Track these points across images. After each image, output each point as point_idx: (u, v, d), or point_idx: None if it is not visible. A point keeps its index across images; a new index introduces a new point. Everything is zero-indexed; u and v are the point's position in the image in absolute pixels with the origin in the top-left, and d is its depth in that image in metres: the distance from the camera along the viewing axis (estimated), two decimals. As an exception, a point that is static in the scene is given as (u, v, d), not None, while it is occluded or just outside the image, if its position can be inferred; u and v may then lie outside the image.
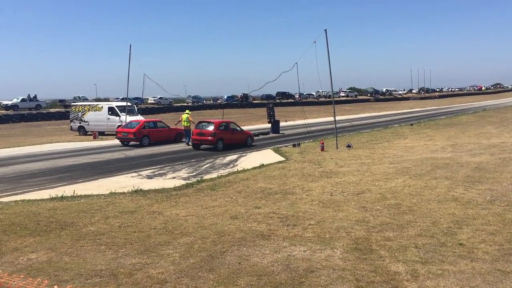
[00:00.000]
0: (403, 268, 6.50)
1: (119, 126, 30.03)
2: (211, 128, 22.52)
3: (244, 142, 24.05)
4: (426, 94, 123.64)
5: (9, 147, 24.77)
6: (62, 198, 11.50)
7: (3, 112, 50.56)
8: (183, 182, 13.77)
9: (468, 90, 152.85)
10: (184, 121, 25.16)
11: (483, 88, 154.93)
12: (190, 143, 24.18)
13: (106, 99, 63.97)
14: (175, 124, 27.19)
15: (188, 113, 25.46)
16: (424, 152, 18.72)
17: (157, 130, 25.72)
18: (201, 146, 22.97)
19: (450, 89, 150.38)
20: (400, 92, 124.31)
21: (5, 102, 54.25)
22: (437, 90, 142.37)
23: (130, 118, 29.53)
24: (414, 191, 11.31)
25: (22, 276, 5.95)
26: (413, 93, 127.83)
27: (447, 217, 9.01)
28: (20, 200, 11.32)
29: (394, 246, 7.41)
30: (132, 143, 24.96)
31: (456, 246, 7.36)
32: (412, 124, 34.87)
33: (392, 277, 6.20)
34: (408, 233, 8.06)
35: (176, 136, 26.42)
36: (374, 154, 18.36)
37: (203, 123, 23.40)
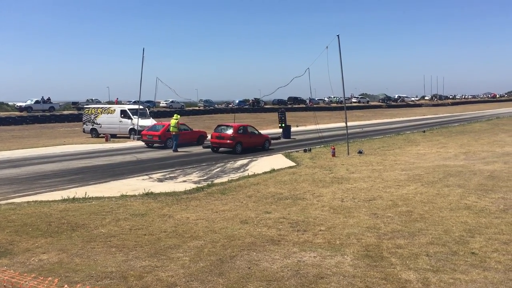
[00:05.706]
0: (414, 276, 6.43)
1: (131, 129, 30.36)
2: (230, 131, 22.76)
3: (262, 146, 24.30)
4: (439, 101, 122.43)
5: (23, 148, 25.05)
6: (74, 199, 11.59)
7: (17, 113, 51.20)
8: (194, 185, 13.81)
9: (482, 98, 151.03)
10: (173, 126, 23.97)
11: (497, 96, 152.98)
12: (177, 150, 23.37)
13: (119, 101, 64.44)
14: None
15: (176, 118, 24.29)
16: (437, 159, 18.56)
17: (181, 133, 25.85)
18: (220, 149, 23.21)
19: (463, 96, 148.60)
20: (413, 98, 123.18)
21: (19, 104, 54.97)
22: (450, 97, 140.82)
23: (142, 121, 29.76)
24: (426, 199, 11.21)
25: (34, 276, 5.98)
26: (426, 99, 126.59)
27: (459, 225, 8.91)
28: (33, 201, 11.44)
29: (405, 253, 7.35)
30: (156, 145, 25.35)
31: (468, 255, 7.27)
32: (424, 131, 34.60)
33: (403, 285, 6.14)
34: (420, 241, 7.98)
35: (199, 138, 26.71)
36: (386, 161, 18.25)
37: (222, 127, 23.59)
